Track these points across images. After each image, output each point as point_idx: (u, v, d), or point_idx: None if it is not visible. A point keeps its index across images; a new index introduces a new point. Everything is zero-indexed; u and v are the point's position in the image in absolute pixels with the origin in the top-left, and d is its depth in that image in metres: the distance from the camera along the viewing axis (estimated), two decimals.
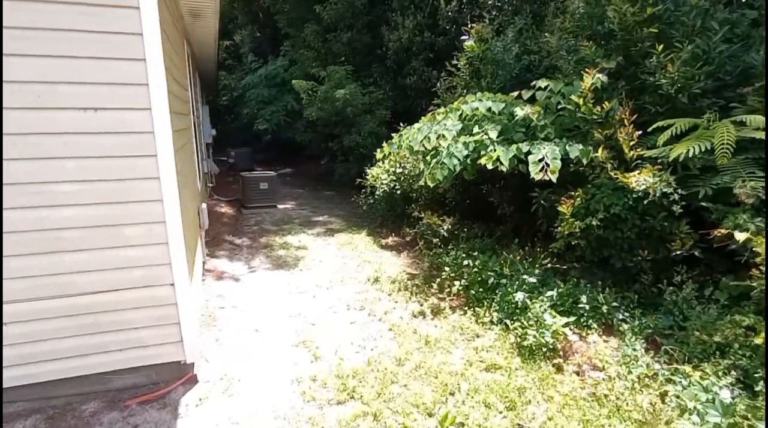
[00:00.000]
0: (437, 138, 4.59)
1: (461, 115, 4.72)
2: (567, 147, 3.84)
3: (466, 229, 5.93)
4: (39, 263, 2.82)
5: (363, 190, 7.76)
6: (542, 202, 4.45)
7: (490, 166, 4.08)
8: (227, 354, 3.64)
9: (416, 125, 4.97)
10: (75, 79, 2.65)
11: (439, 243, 5.84)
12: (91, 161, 2.78)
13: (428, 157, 4.87)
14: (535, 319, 3.64)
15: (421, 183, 5.13)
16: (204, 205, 5.50)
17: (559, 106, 4.28)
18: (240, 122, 17.25)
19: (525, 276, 4.12)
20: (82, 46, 2.61)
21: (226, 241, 6.88)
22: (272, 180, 9.04)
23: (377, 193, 7.25)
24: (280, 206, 9.63)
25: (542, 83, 4.32)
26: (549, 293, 3.82)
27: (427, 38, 8.85)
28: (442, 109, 4.95)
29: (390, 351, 3.68)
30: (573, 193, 3.90)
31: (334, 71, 10.15)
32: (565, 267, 4.36)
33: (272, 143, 18.49)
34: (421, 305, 4.53)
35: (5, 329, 2.87)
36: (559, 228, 3.88)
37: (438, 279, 4.93)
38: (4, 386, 2.99)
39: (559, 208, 3.85)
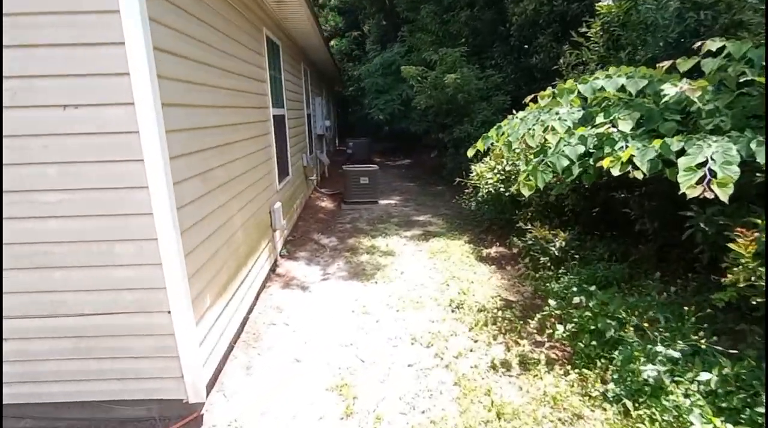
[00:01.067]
0: (544, 130, 3.38)
1: (581, 99, 3.44)
2: (752, 144, 2.39)
3: (587, 247, 4.56)
4: (30, 278, 2.48)
5: (467, 189, 6.69)
6: (703, 226, 2.98)
7: (616, 172, 2.79)
8: (250, 390, 3.04)
9: (520, 114, 3.77)
10: (49, 72, 2.18)
11: (549, 264, 4.58)
12: (73, 167, 2.32)
13: (531, 156, 3.68)
14: (675, 413, 2.34)
15: (514, 189, 3.94)
16: (278, 205, 5.04)
17: (741, 80, 2.76)
18: (362, 112, 17.16)
19: (665, 341, 2.76)
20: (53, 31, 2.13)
21: (312, 241, 6.43)
22: (374, 174, 8.42)
23: (480, 193, 6.13)
24: (383, 202, 9.00)
25: (714, 44, 2.82)
26: (704, 375, 2.44)
27: (558, 6, 7.27)
28: (548, 90, 3.67)
29: (446, 419, 2.71)
30: (758, 221, 2.44)
31: (446, 54, 9.08)
32: (736, 327, 2.87)
33: (391, 133, 18.10)
34: (508, 350, 3.43)
35: (9, 345, 2.61)
36: (730, 273, 2.45)
37: (538, 316, 3.75)
38: (15, 402, 2.77)
39: (733, 246, 2.42)
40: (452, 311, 4.14)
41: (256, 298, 4.37)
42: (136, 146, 2.26)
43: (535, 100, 3.80)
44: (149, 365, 2.64)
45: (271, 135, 5.20)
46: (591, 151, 3.08)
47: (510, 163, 5.57)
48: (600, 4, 4.69)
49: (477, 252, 5.79)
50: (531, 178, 3.25)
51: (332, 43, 19.58)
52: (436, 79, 8.80)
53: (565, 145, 3.16)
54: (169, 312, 2.52)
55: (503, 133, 3.88)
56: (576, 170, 3.18)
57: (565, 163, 3.11)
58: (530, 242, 4.85)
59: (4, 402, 2.71)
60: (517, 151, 4.01)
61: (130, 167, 2.30)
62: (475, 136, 8.12)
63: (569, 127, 3.30)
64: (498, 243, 6.04)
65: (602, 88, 3.18)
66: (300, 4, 5.30)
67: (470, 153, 4.02)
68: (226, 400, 2.96)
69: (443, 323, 3.91)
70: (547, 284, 4.26)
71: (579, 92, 3.32)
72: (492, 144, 3.95)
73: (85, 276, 2.47)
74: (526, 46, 8.66)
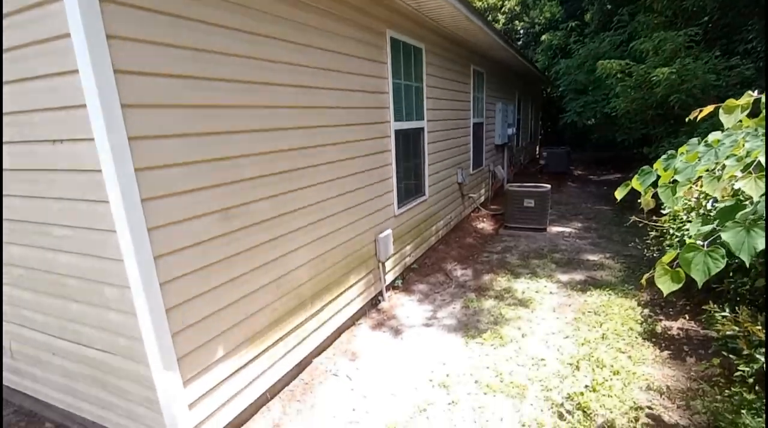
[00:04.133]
0: (745, 168, 1.95)
1: None
2: None
3: None
4: (55, 304, 2.54)
5: (651, 232, 4.90)
6: None
7: None
8: None
9: (714, 136, 2.30)
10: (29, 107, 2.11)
11: (749, 377, 2.85)
12: (65, 203, 2.23)
13: (705, 213, 2.23)
14: None
15: (646, 277, 2.39)
16: (386, 233, 4.49)
17: None
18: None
19: None
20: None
21: (442, 271, 5.65)
22: (542, 196, 7.05)
23: (667, 241, 4.35)
24: (555, 229, 7.52)
25: None
26: None
27: None
28: (742, 99, 2.09)
29: None
30: None
31: (663, 40, 6.88)
32: None
33: (604, 143, 15.42)
34: None
35: (38, 353, 2.78)
36: None
37: None
38: (38, 398, 2.97)
39: None
40: (560, 416, 2.91)
41: (336, 338, 3.93)
42: (101, 186, 2.02)
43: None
44: (144, 412, 2.45)
45: (390, 153, 4.66)
46: None
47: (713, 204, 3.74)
48: None
49: (649, 323, 4.12)
50: (683, 265, 1.89)
51: (544, 37, 17.73)
52: (639, 76, 6.79)
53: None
54: (148, 365, 2.25)
55: (673, 168, 2.48)
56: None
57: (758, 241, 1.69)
58: (724, 334, 3.12)
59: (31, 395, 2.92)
60: (687, 200, 2.51)
61: (100, 208, 2.08)
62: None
63: None
64: (688, 315, 4.20)
65: None
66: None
67: (618, 195, 2.68)
68: None
69: None
70: (738, 412, 2.61)
71: None
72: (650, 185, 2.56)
73: (93, 313, 2.40)
74: None
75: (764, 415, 2.04)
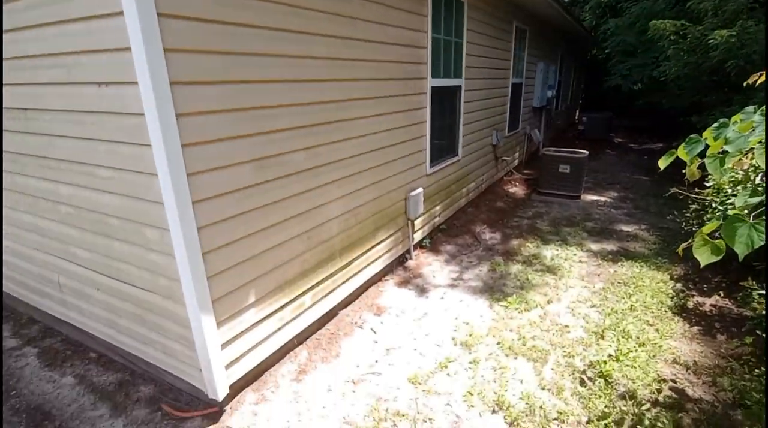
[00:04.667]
0: None
1: None
2: None
3: None
4: (97, 241, 2.66)
5: (691, 204, 4.72)
6: None
7: None
8: (284, 403, 2.73)
9: (743, 112, 2.16)
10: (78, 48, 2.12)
11: None
12: (109, 145, 2.29)
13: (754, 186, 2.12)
14: None
15: (683, 247, 2.27)
16: (417, 192, 4.46)
17: None
18: (613, 80, 14.32)
19: None
20: None
21: (470, 233, 5.63)
22: (578, 163, 6.83)
23: (708, 215, 4.19)
24: (589, 197, 7.33)
25: None
26: None
27: None
28: None
29: None
30: None
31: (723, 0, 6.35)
32: None
33: (648, 109, 14.64)
34: None
35: (81, 287, 2.95)
36: None
37: None
38: (84, 329, 3.17)
39: None
40: (581, 383, 2.93)
41: (362, 292, 4.02)
42: (143, 130, 2.05)
43: None
44: (180, 348, 2.59)
45: (425, 110, 4.55)
46: None
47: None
48: None
49: (681, 297, 4.04)
50: (726, 236, 1.81)
51: None
52: (695, 38, 6.33)
53: None
54: (184, 304, 2.36)
55: (724, 138, 2.35)
56: None
57: None
58: (764, 311, 3.05)
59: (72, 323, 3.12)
60: (735, 173, 2.38)
61: (143, 151, 2.12)
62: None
63: None
64: (723, 292, 4.09)
65: None
66: None
67: (662, 164, 2.56)
68: (255, 405, 2.73)
69: (554, 396, 2.79)
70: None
71: None
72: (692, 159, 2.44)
73: (135, 252, 2.50)
74: None
75: (764, 417, 1.96)
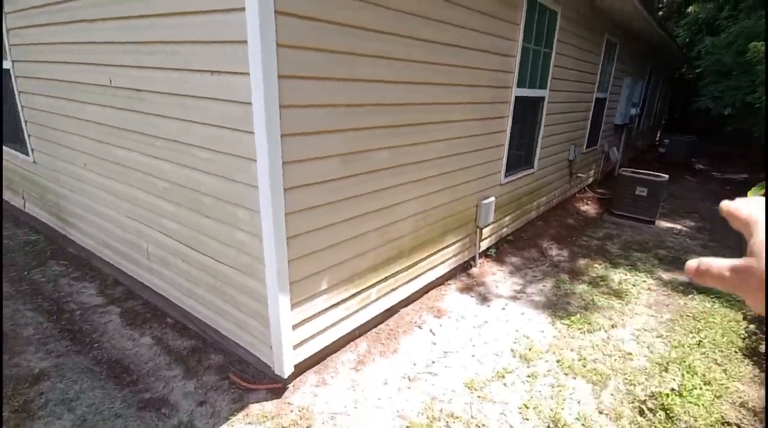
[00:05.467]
0: None
1: None
2: None
3: None
4: (189, 216, 2.87)
5: None
6: None
7: None
8: (341, 389, 2.83)
9: None
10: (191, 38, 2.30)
11: None
12: (211, 129, 2.46)
13: None
14: None
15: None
16: (489, 200, 4.43)
17: None
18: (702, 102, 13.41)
19: None
20: None
21: (537, 247, 5.50)
22: (657, 187, 6.47)
23: None
24: (664, 224, 6.93)
25: None
26: None
27: None
28: None
29: None
30: None
31: None
32: None
33: (735, 136, 13.57)
34: None
35: (167, 254, 3.18)
36: None
37: None
38: (164, 295, 3.42)
39: None
40: (640, 412, 2.81)
41: (424, 293, 4.05)
42: (249, 118, 2.20)
43: None
44: (254, 323, 2.75)
45: (507, 119, 4.50)
46: None
47: None
48: None
49: (753, 340, 3.75)
50: None
51: (690, 8, 15.60)
52: None
53: None
54: (264, 283, 2.51)
55: None
56: None
57: None
58: None
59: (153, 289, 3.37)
60: None
61: (245, 137, 2.27)
62: None
63: None
64: None
65: None
66: None
67: (750, 195, 2.40)
68: (315, 387, 2.85)
69: (612, 422, 2.69)
70: None
71: None
72: None
73: (222, 230, 2.68)
74: None
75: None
